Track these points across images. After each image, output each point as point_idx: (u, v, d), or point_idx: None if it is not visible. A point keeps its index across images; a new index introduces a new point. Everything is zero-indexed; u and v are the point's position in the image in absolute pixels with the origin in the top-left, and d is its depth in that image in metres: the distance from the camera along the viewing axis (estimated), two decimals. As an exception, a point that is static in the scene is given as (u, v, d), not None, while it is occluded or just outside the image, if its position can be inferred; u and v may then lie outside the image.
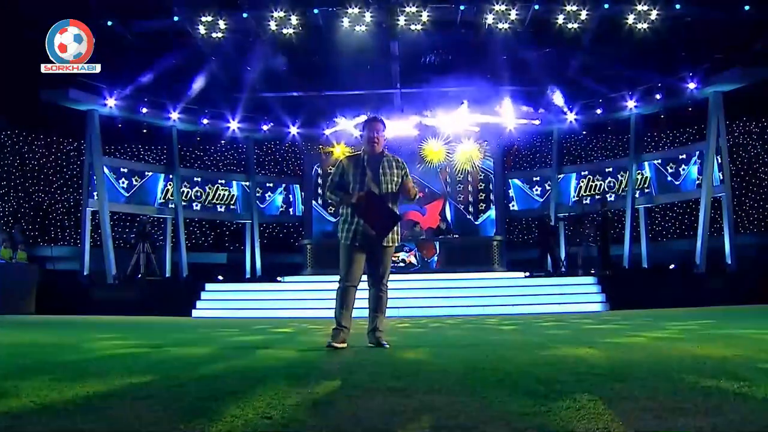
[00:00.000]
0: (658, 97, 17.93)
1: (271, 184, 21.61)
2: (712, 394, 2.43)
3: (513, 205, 21.03)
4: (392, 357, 4.18)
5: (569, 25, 16.02)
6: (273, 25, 16.09)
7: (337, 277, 5.18)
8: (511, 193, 21.04)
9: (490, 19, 15.96)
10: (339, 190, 5.10)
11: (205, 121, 19.47)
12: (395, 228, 5.10)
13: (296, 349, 5.06)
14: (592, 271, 16.06)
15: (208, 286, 15.58)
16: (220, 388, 2.78)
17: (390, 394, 2.56)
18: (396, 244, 5.21)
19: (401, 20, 15.99)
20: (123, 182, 18.49)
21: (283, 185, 21.82)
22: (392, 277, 15.68)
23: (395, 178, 5.11)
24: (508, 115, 18.92)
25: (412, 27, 16.12)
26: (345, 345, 4.92)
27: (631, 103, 18.38)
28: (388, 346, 4.97)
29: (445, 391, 2.59)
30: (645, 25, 15.90)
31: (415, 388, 2.68)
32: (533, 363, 3.52)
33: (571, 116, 19.40)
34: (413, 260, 16.77)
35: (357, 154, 5.23)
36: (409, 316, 12.67)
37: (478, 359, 3.85)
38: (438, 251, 16.71)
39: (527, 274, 16.70)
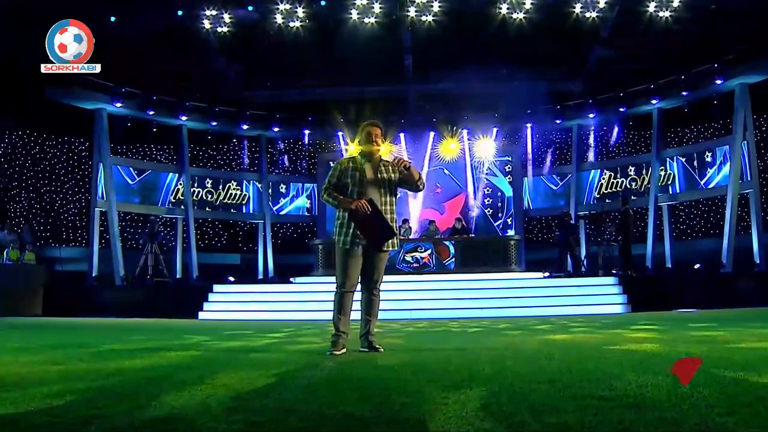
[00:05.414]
0: (681, 90, 17.16)
1: (284, 186, 21.24)
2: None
3: (529, 204, 20.49)
4: (370, 370, 3.70)
5: (588, 15, 15.46)
6: (279, 18, 15.75)
7: None
8: (528, 192, 20.50)
9: (503, 9, 15.45)
10: (337, 192, 4.95)
11: (214, 123, 19.11)
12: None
13: (269, 360, 4.61)
14: (614, 271, 15.44)
15: (216, 287, 15.27)
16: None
17: (345, 422, 2.10)
18: (395, 248, 5.09)
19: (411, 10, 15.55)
20: (132, 182, 18.23)
21: (301, 184, 21.52)
22: (404, 277, 15.10)
23: (393, 179, 5.02)
24: None
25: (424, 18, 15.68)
26: (344, 350, 4.78)
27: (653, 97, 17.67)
28: (382, 350, 4.91)
29: (414, 421, 2.11)
30: (667, 14, 15.25)
31: (379, 415, 2.21)
32: (533, 380, 3.01)
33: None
34: (429, 260, 16.23)
35: (354, 157, 5.09)
36: (418, 318, 12.20)
37: (471, 373, 3.35)
38: (452, 253, 16.16)
39: (546, 274, 16.15)
